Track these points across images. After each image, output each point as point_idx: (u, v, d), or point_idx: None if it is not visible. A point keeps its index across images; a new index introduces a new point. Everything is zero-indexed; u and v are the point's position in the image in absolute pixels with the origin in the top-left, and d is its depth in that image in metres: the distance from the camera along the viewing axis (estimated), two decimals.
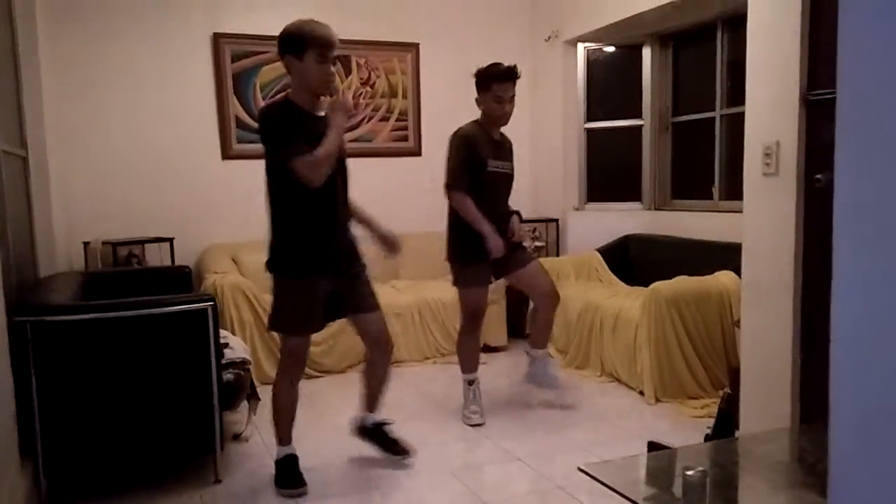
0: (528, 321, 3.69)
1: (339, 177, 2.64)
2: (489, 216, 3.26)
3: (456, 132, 3.33)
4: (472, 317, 3.43)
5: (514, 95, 3.30)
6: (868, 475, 0.87)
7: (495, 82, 3.25)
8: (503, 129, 3.44)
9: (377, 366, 2.90)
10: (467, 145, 3.28)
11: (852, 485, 0.89)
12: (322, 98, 2.63)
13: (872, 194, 0.87)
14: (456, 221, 3.33)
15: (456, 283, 3.41)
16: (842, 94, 0.90)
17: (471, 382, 3.46)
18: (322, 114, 2.63)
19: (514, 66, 3.29)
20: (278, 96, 2.69)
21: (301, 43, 2.50)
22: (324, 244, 2.61)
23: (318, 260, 2.61)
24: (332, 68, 2.58)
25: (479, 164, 3.27)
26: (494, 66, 3.29)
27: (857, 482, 0.89)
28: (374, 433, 2.94)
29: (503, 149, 3.43)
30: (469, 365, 3.49)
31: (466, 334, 3.47)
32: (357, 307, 2.76)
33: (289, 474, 2.69)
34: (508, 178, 3.45)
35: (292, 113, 2.55)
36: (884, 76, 0.83)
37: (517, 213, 3.47)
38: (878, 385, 0.85)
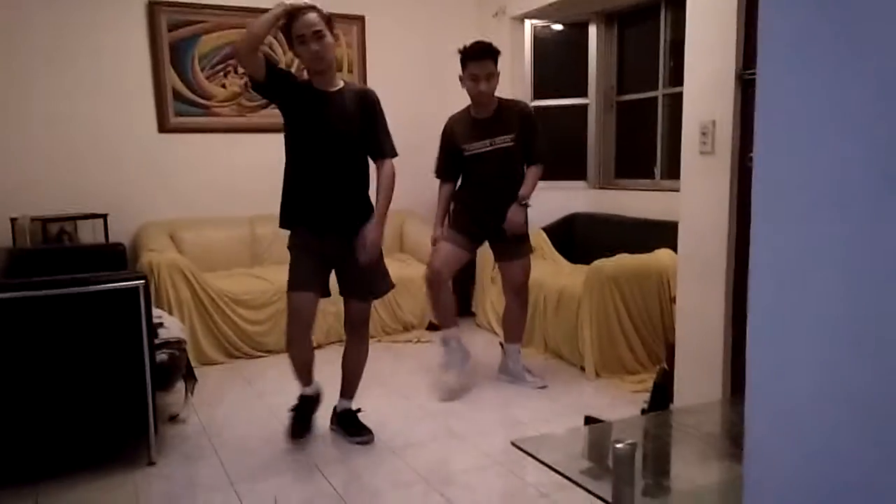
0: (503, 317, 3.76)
1: (329, 146, 2.70)
2: (479, 197, 3.41)
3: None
4: (430, 264, 3.48)
5: (491, 73, 3.25)
6: (781, 451, 0.89)
7: (469, 60, 3.27)
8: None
9: (349, 351, 2.95)
10: (445, 134, 3.46)
11: (765, 459, 0.91)
12: (334, 73, 2.75)
13: (784, 172, 0.87)
14: (454, 198, 3.51)
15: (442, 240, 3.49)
16: (760, 74, 0.90)
17: (444, 343, 3.54)
18: (337, 88, 2.73)
19: (486, 43, 3.28)
20: None
21: (286, 32, 2.63)
22: (304, 199, 2.73)
23: (298, 212, 2.75)
24: (316, 45, 2.58)
25: (456, 151, 3.39)
26: (471, 45, 3.29)
27: (769, 457, 0.90)
28: (342, 419, 2.95)
29: (498, 123, 3.34)
30: (440, 323, 3.59)
31: (429, 289, 3.53)
32: (350, 291, 2.86)
33: (296, 418, 2.88)
34: (504, 152, 3.34)
35: (302, 89, 2.70)
36: (795, 56, 0.83)
37: (523, 204, 3.37)
38: (792, 360, 0.86)
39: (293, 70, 4.30)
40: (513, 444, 1.64)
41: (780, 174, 0.89)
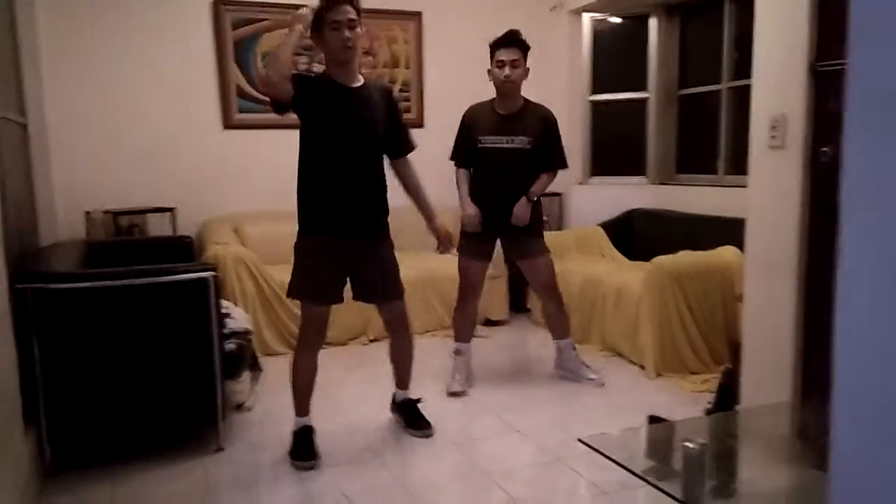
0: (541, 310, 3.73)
1: (357, 144, 2.62)
2: (487, 192, 3.32)
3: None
4: (461, 287, 3.49)
5: (517, 60, 3.23)
6: (870, 454, 0.86)
7: (496, 49, 3.26)
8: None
9: (396, 346, 2.94)
10: (464, 122, 3.40)
11: (854, 461, 0.89)
12: (355, 65, 2.65)
13: (881, 168, 0.85)
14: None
15: (458, 248, 3.44)
16: (852, 63, 0.88)
17: (457, 352, 3.50)
18: (359, 83, 2.65)
19: (516, 31, 3.26)
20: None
21: (318, 17, 2.55)
22: (329, 204, 2.62)
23: (322, 218, 2.63)
24: (349, 33, 2.51)
25: (472, 140, 3.34)
26: (501, 34, 3.27)
27: (858, 459, 0.88)
28: (401, 408, 2.99)
29: (519, 122, 3.31)
30: (457, 334, 3.54)
31: (457, 304, 3.54)
32: (382, 295, 2.81)
33: (302, 446, 2.70)
34: (519, 153, 3.31)
35: (322, 84, 2.61)
36: (891, 43, 0.80)
37: (528, 196, 3.35)
38: (885, 359, 0.84)
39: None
40: (580, 440, 1.64)
41: (873, 168, 0.86)
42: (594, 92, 5.18)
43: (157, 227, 4.41)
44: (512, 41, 3.24)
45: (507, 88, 3.27)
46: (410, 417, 2.95)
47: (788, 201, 2.48)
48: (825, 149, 2.32)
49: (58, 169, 4.16)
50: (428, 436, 2.89)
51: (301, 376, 2.73)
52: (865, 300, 0.87)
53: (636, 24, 5.00)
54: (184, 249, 3.63)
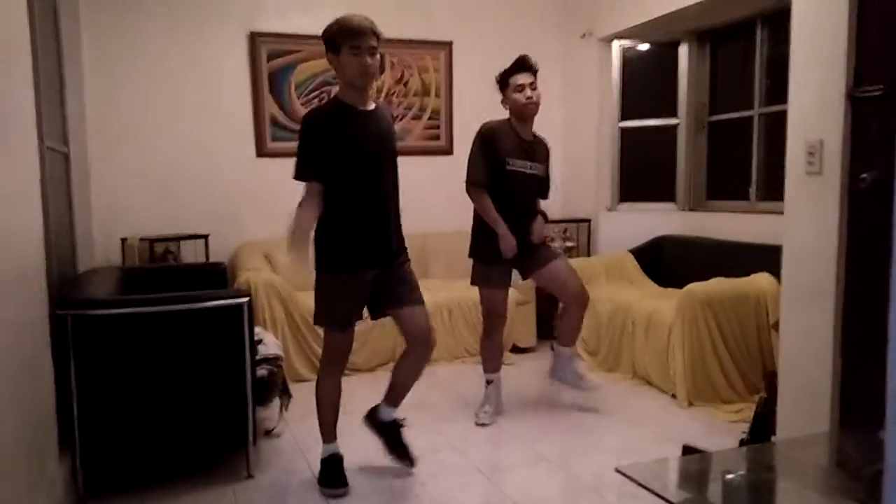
0: (557, 318, 3.65)
1: (384, 173, 2.63)
2: (508, 216, 3.26)
3: (480, 127, 3.32)
4: (487, 317, 3.43)
5: (534, 83, 3.26)
6: None
7: (511, 76, 3.28)
8: (542, 134, 3.43)
9: (411, 360, 2.77)
10: (487, 140, 3.26)
11: None
12: (370, 91, 2.64)
13: None
14: (477, 218, 3.35)
15: (473, 281, 3.40)
16: None
17: (488, 382, 3.46)
18: (371, 107, 2.64)
19: (526, 56, 3.30)
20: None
21: (335, 38, 2.50)
22: (365, 240, 2.60)
23: (359, 255, 2.60)
24: (370, 59, 2.49)
25: (498, 162, 3.24)
26: (511, 63, 3.32)
27: None
28: (386, 429, 2.85)
29: (535, 150, 3.35)
30: (486, 365, 3.49)
31: (484, 334, 3.48)
32: (399, 301, 2.69)
33: (331, 473, 2.67)
34: (536, 180, 3.35)
35: (334, 112, 2.58)
36: None
37: (542, 213, 3.40)
38: None
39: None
40: (617, 470, 1.61)
41: None
42: (624, 118, 5.17)
43: (191, 253, 4.48)
44: (527, 65, 3.28)
45: (531, 111, 3.28)
46: (394, 442, 2.83)
47: (826, 228, 2.44)
48: (864, 175, 2.28)
49: (96, 197, 4.27)
50: (410, 466, 2.80)
51: (326, 399, 2.71)
52: None
53: (666, 51, 5.01)
54: (217, 276, 3.67)
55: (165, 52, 4.54)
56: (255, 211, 4.77)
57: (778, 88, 4.18)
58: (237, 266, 4.41)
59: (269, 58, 4.73)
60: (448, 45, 5.17)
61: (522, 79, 3.24)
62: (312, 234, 2.58)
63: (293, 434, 3.23)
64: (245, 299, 2.64)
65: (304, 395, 3.73)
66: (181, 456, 2.78)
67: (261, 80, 4.72)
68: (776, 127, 4.03)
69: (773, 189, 4.12)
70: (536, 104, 3.26)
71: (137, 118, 4.51)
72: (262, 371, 2.86)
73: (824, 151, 2.43)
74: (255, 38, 4.69)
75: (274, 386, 2.99)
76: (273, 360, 2.99)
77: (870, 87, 2.27)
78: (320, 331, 4.06)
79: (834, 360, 2.46)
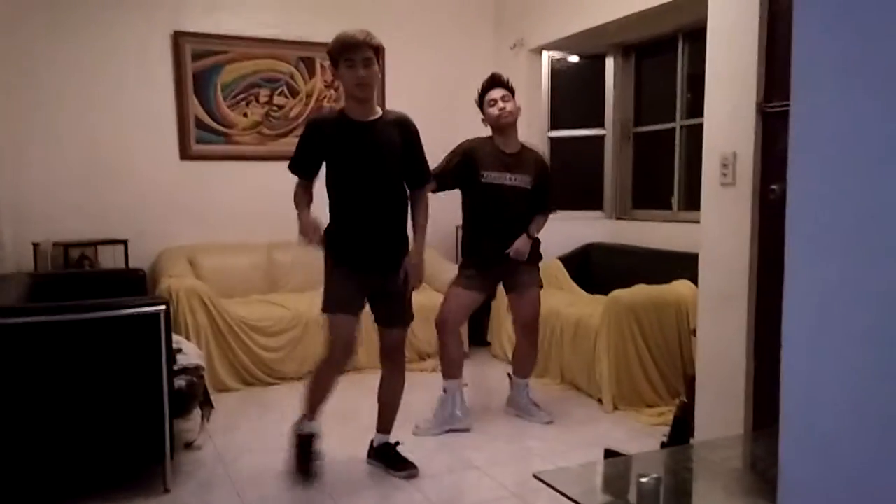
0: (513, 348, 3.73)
1: (378, 184, 2.67)
2: (490, 228, 3.34)
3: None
4: (439, 316, 3.42)
5: (506, 95, 3.33)
6: (816, 481, 0.87)
7: (485, 94, 3.38)
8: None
9: (384, 383, 2.89)
10: (462, 151, 3.35)
11: (800, 489, 0.89)
12: (371, 102, 2.68)
13: (825, 205, 0.88)
14: (464, 227, 3.48)
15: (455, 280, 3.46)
16: (795, 106, 0.91)
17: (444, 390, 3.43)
18: (375, 117, 2.68)
19: (498, 74, 3.45)
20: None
21: (332, 53, 2.63)
22: (357, 246, 2.70)
23: (345, 254, 2.70)
24: (364, 71, 2.57)
25: (468, 173, 3.31)
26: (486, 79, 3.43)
27: (805, 488, 0.89)
28: (379, 453, 2.90)
29: (518, 162, 3.36)
30: (444, 370, 3.44)
31: (438, 334, 3.44)
32: (380, 319, 2.83)
33: (305, 451, 2.72)
34: (520, 192, 3.35)
35: (335, 122, 2.68)
36: (835, 87, 0.84)
37: (528, 233, 3.37)
38: (828, 390, 0.85)
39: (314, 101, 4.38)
40: (535, 476, 1.62)
41: (817, 205, 0.89)
42: (553, 128, 5.26)
43: (110, 259, 4.30)
44: (497, 83, 3.38)
45: (505, 122, 3.33)
46: (391, 460, 2.87)
47: (739, 237, 2.54)
48: (774, 186, 2.38)
49: (6, 199, 4.04)
50: (413, 476, 2.80)
51: (322, 385, 2.74)
52: (807, 333, 0.88)
53: (594, 63, 5.12)
54: (136, 283, 3.53)
55: (83, 48, 4.35)
56: (179, 215, 4.62)
57: (698, 101, 4.32)
58: (159, 272, 4.26)
59: (194, 58, 4.60)
60: (381, 51, 5.13)
61: (494, 94, 3.34)
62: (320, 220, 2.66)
63: (215, 446, 3.14)
64: (162, 307, 2.54)
65: (229, 406, 3.64)
66: (94, 471, 2.65)
67: (185, 81, 4.58)
68: (697, 139, 4.16)
69: (695, 199, 4.25)
70: (511, 113, 3.33)
71: (52, 119, 4.30)
72: (180, 382, 2.76)
73: (737, 163, 2.53)
74: (178, 38, 4.55)
75: (194, 397, 2.89)
76: (193, 370, 2.89)
77: (779, 102, 2.38)
78: (248, 339, 4.01)
79: (747, 364, 2.56)
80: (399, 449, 2.90)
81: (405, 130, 2.73)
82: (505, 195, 3.34)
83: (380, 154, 2.66)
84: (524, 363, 3.56)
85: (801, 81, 0.89)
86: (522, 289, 3.45)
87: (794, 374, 0.90)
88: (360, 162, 2.65)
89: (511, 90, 3.38)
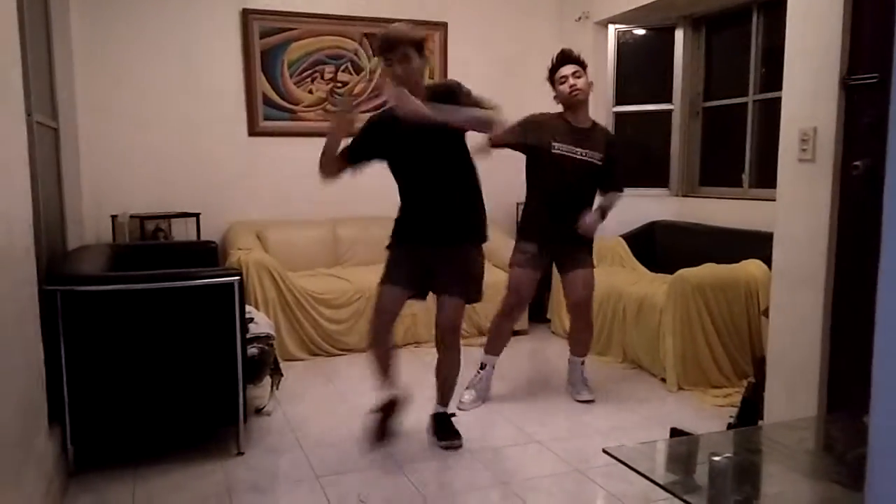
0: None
1: (425, 166, 2.73)
2: (552, 202, 3.33)
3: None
4: (507, 296, 3.43)
5: (577, 71, 3.29)
6: None
7: (555, 71, 3.34)
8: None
9: (439, 359, 2.92)
10: (534, 120, 3.35)
11: (892, 475, 0.87)
12: (414, 93, 2.65)
13: None
14: (526, 201, 3.46)
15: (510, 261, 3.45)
16: None
17: (482, 366, 3.47)
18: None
19: (568, 50, 3.39)
20: None
21: (376, 54, 2.76)
22: (408, 221, 2.82)
23: (403, 232, 2.84)
24: (399, 68, 2.61)
25: (537, 142, 3.28)
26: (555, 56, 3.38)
27: None
28: (433, 420, 2.98)
29: (588, 137, 3.32)
30: (489, 346, 3.49)
31: (499, 315, 3.47)
32: (435, 287, 2.85)
33: (378, 420, 2.88)
34: (589, 167, 3.31)
35: (384, 115, 2.77)
36: None
37: (603, 210, 3.35)
38: None
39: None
40: (604, 451, 1.63)
41: None
42: (618, 103, 5.16)
43: (182, 232, 4.46)
44: (568, 59, 3.33)
45: (576, 99, 3.29)
46: (439, 429, 2.94)
47: (818, 215, 2.45)
48: (857, 163, 2.29)
49: (86, 173, 4.22)
50: (455, 447, 2.85)
51: (377, 363, 2.84)
52: None
53: (662, 36, 4.98)
54: (208, 254, 3.66)
55: (156, 29, 4.48)
56: (247, 190, 4.75)
57: (773, 76, 4.17)
58: (228, 245, 4.39)
59: (262, 35, 4.68)
60: (443, 27, 5.12)
61: (565, 70, 3.30)
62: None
63: (284, 413, 3.24)
64: (236, 278, 2.63)
65: (296, 375, 3.76)
66: (171, 432, 2.79)
67: (253, 58, 4.67)
68: (770, 114, 4.03)
69: (766, 176, 4.12)
70: (582, 90, 3.28)
71: (128, 95, 4.46)
72: (252, 350, 2.86)
73: (817, 139, 2.44)
74: (247, 15, 4.63)
75: (265, 365, 2.99)
76: (264, 339, 2.98)
77: (863, 75, 2.27)
78: (313, 311, 4.12)
79: (822, 345, 2.48)
80: (454, 420, 2.96)
81: (440, 98, 2.64)
82: (574, 168, 3.30)
83: (420, 140, 2.65)
84: (578, 343, 3.55)
85: None
86: (575, 268, 3.40)
87: (887, 356, 0.87)
88: (399, 148, 2.73)
89: (583, 65, 3.32)
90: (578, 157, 3.30)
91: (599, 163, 3.32)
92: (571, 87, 3.26)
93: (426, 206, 2.77)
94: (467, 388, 3.42)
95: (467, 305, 2.87)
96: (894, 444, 0.87)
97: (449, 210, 2.77)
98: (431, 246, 2.78)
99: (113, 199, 4.41)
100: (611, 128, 5.18)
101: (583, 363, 3.54)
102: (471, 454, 2.82)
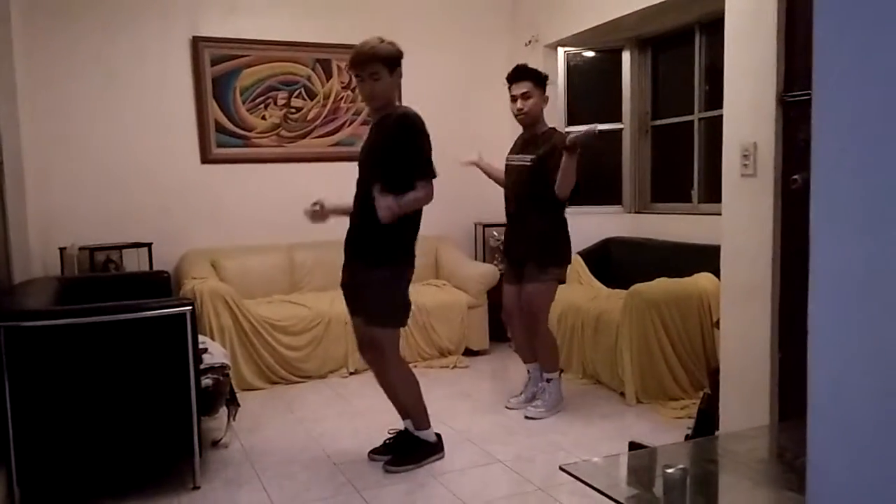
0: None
1: (360, 181, 2.84)
2: (507, 212, 3.52)
3: None
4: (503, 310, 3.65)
5: (527, 92, 3.33)
6: (845, 468, 0.87)
7: (508, 85, 3.41)
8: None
9: (378, 379, 3.01)
10: None
11: (830, 478, 0.90)
12: (382, 108, 2.80)
13: (848, 191, 0.88)
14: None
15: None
16: (817, 95, 0.91)
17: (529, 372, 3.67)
18: (377, 119, 2.83)
19: (523, 65, 3.43)
20: None
21: (348, 70, 2.90)
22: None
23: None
24: (369, 86, 2.71)
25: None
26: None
27: (834, 474, 0.89)
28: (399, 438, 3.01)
29: (529, 144, 3.41)
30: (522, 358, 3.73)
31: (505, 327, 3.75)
32: (351, 310, 2.96)
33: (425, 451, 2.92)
34: (517, 170, 3.42)
35: None
36: (857, 76, 0.84)
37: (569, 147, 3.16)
38: (855, 376, 0.85)
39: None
40: (561, 468, 1.63)
41: (840, 192, 0.89)
42: (570, 123, 5.25)
43: (134, 262, 4.37)
44: (519, 74, 3.37)
45: (521, 121, 3.40)
46: (390, 445, 2.97)
47: (762, 228, 2.52)
48: (796, 176, 2.37)
49: (33, 205, 4.11)
50: (384, 464, 2.87)
51: (418, 388, 2.91)
52: (834, 322, 0.89)
53: (610, 58, 5.10)
54: (161, 285, 3.59)
55: (105, 57, 4.42)
56: (201, 218, 4.68)
57: (717, 93, 4.29)
58: (182, 274, 4.32)
59: (213, 62, 4.65)
60: (391, 59, 5.14)
61: (515, 90, 3.39)
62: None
63: (242, 444, 3.18)
64: (188, 308, 2.58)
65: (254, 405, 3.69)
66: (124, 469, 2.70)
67: (204, 86, 4.63)
68: (716, 131, 4.13)
69: (714, 191, 4.22)
70: (527, 114, 3.36)
71: (76, 125, 4.37)
72: (207, 380, 2.80)
73: (758, 154, 2.52)
74: (197, 43, 4.60)
75: (220, 395, 2.93)
76: (219, 370, 2.93)
77: (798, 91, 2.37)
78: (271, 339, 4.06)
79: (772, 355, 2.55)
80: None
81: (389, 129, 2.72)
82: (514, 175, 3.43)
83: (363, 153, 2.85)
84: (524, 349, 3.63)
85: (821, 70, 0.89)
86: (523, 282, 3.45)
87: (822, 363, 0.90)
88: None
89: (540, 79, 3.37)
90: (515, 163, 3.40)
91: (529, 163, 3.34)
92: (518, 109, 3.35)
93: (355, 215, 2.86)
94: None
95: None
96: (829, 445, 0.89)
97: (363, 224, 2.79)
98: (348, 266, 2.90)
99: (62, 230, 4.30)
100: None
101: (547, 380, 3.54)
102: (432, 477, 2.79)
